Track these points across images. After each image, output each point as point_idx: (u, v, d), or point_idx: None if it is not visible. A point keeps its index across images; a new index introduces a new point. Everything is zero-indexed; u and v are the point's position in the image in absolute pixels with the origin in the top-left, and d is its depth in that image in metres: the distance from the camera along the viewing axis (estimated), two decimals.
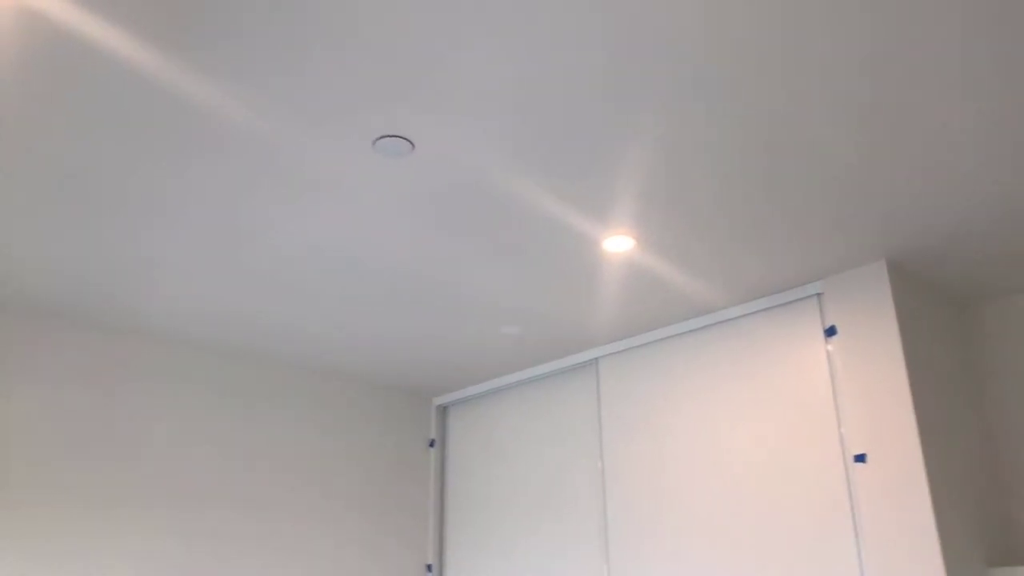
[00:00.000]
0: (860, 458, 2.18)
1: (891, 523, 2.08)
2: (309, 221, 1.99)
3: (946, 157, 1.77)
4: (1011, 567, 2.16)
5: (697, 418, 2.58)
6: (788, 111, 1.60)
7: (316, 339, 2.80)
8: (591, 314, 2.63)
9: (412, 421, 3.42)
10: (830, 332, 2.34)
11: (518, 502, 3.07)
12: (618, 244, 2.14)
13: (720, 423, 2.51)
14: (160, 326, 2.64)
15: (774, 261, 2.26)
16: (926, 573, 1.99)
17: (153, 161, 1.70)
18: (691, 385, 2.63)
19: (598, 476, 2.82)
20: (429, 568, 3.25)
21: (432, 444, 3.44)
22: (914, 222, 2.06)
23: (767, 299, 2.49)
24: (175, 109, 1.53)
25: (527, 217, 1.99)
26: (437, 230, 2.05)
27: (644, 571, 2.57)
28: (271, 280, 2.33)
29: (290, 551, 2.87)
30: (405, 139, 1.64)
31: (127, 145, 1.64)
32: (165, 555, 2.58)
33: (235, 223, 1.99)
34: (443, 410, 3.52)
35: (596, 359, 2.96)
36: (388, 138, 1.63)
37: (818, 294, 2.40)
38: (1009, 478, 2.44)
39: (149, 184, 1.80)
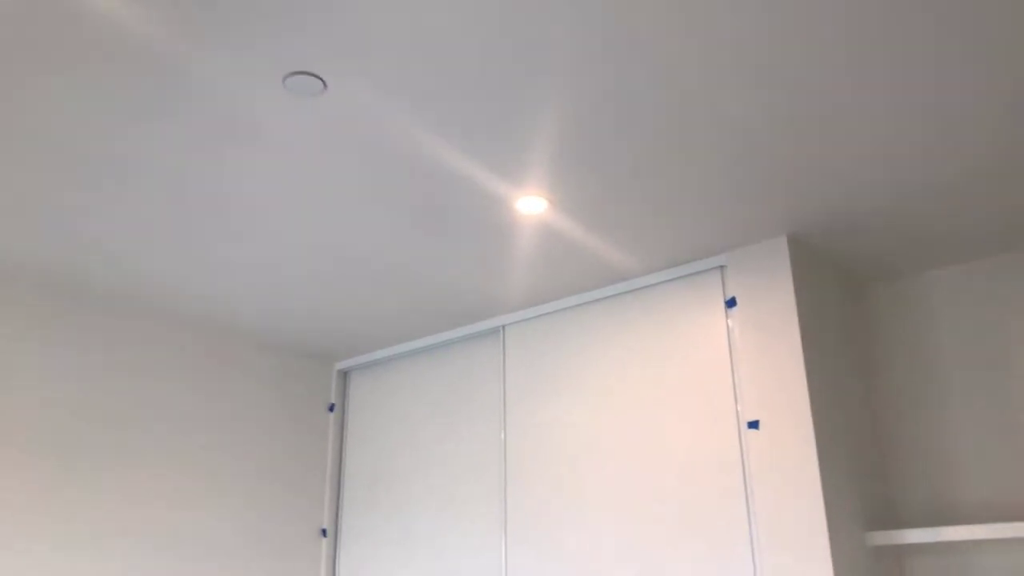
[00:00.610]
0: (753, 424, 2.25)
1: (779, 486, 2.16)
2: (213, 167, 1.90)
3: (846, 136, 1.83)
4: (887, 531, 2.27)
5: (600, 388, 2.61)
6: (698, 82, 1.62)
7: (212, 299, 2.69)
8: (500, 279, 2.62)
9: (312, 385, 3.34)
10: (731, 304, 2.40)
11: (417, 470, 3.05)
12: (531, 206, 2.13)
13: (622, 392, 2.55)
14: (41, 271, 2.49)
15: (683, 232, 2.30)
16: (811, 534, 2.07)
17: (32, 83, 1.59)
18: (595, 354, 2.65)
19: (499, 446, 2.83)
20: (324, 532, 3.19)
21: (331, 409, 3.37)
22: (814, 199, 2.12)
23: (674, 269, 2.53)
24: (58, 20, 1.43)
25: (438, 173, 1.95)
26: (345, 184, 1.99)
27: (542, 540, 2.59)
28: (167, 229, 2.22)
29: (181, 512, 2.77)
30: (316, 76, 1.57)
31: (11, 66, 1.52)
32: (44, 513, 2.45)
33: (132, 158, 1.88)
34: (344, 375, 3.46)
35: (502, 326, 2.95)
36: (299, 75, 1.57)
37: (721, 266, 2.45)
38: (891, 450, 2.56)
39: (32, 108, 1.68)
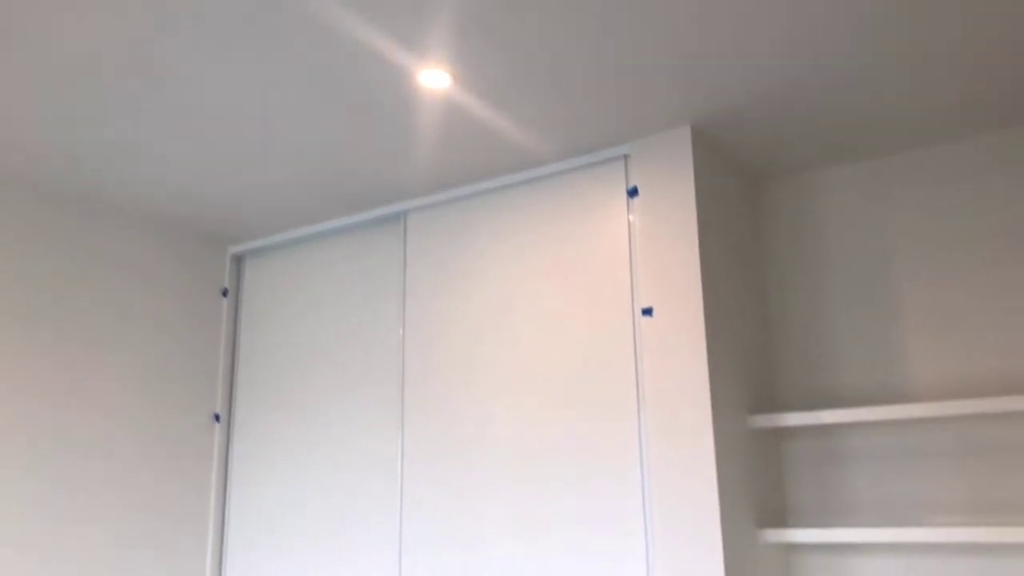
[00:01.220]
0: (647, 311, 2.29)
1: (669, 371, 2.22)
2: (79, 26, 1.73)
3: (743, 24, 1.80)
4: (767, 414, 2.39)
5: (501, 276, 2.60)
6: None
7: (95, 175, 2.52)
8: (402, 161, 2.54)
9: (204, 268, 3.22)
10: (632, 193, 2.40)
11: (314, 358, 3.01)
12: (434, 79, 2.04)
13: (523, 280, 2.55)
14: None
15: (588, 117, 2.27)
16: (695, 416, 2.15)
17: None
18: (498, 243, 2.63)
19: (398, 333, 2.80)
20: (217, 418, 3.14)
21: (225, 294, 3.27)
22: (716, 90, 2.11)
23: (579, 158, 2.51)
24: None
25: (335, 40, 1.84)
26: (233, 49, 1.86)
27: (439, 425, 2.61)
28: (34, 88, 2.04)
29: (67, 395, 2.66)
30: None
31: None
32: None
33: None
34: (238, 259, 3.34)
35: (404, 212, 2.88)
36: None
37: (625, 155, 2.44)
38: (777, 339, 2.67)
39: None
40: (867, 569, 2.39)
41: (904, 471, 2.38)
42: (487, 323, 2.58)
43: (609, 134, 2.38)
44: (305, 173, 2.63)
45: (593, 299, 2.40)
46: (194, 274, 3.17)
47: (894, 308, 2.49)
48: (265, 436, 3.05)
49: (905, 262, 2.51)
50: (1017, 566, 2.20)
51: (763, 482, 2.42)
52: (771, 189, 2.78)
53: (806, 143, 2.49)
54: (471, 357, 2.59)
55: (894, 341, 2.47)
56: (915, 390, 2.42)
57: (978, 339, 2.36)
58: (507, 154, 2.50)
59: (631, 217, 2.39)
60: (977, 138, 2.46)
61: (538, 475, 2.37)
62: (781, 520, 2.51)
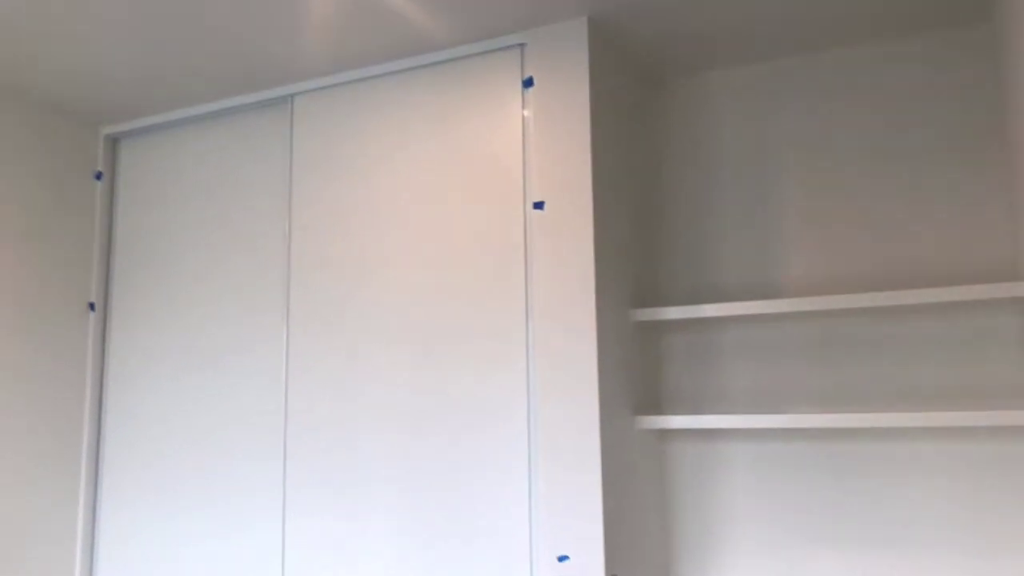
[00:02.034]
0: (539, 205, 2.30)
1: (557, 264, 2.25)
2: None
3: None
4: (649, 308, 2.47)
5: (392, 166, 2.54)
6: None
7: None
8: (289, 40, 2.41)
9: (75, 150, 3.02)
10: (527, 84, 2.37)
11: (195, 249, 2.90)
12: None
13: (415, 171, 2.50)
14: None
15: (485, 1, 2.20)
16: (580, 309, 2.21)
17: None
18: (390, 131, 2.56)
19: (284, 223, 2.72)
20: (92, 306, 3.01)
21: (99, 177, 3.09)
22: None
23: (474, 44, 2.45)
24: None
25: None
26: None
27: (326, 316, 2.58)
28: None
29: None
30: None
31: None
32: None
33: None
34: (113, 141, 3.15)
35: (291, 96, 2.76)
36: None
37: (521, 45, 2.40)
38: (663, 237, 2.74)
39: None
40: (734, 453, 2.55)
41: (772, 363, 2.53)
42: (377, 214, 2.54)
43: (506, 21, 2.32)
44: (184, 49, 2.47)
45: (485, 191, 2.39)
46: (64, 156, 2.97)
47: (774, 210, 2.59)
48: (143, 327, 2.96)
49: (786, 165, 2.59)
50: (866, 449, 2.39)
51: (642, 373, 2.52)
52: (665, 89, 2.79)
53: (700, 44, 2.50)
54: (359, 248, 2.55)
55: (772, 241, 2.58)
56: (787, 287, 2.54)
57: (847, 242, 2.49)
58: (400, 36, 2.41)
59: (525, 109, 2.37)
60: (861, 47, 2.53)
61: (427, 366, 2.40)
62: (657, 408, 2.63)
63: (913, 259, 2.41)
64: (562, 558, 2.13)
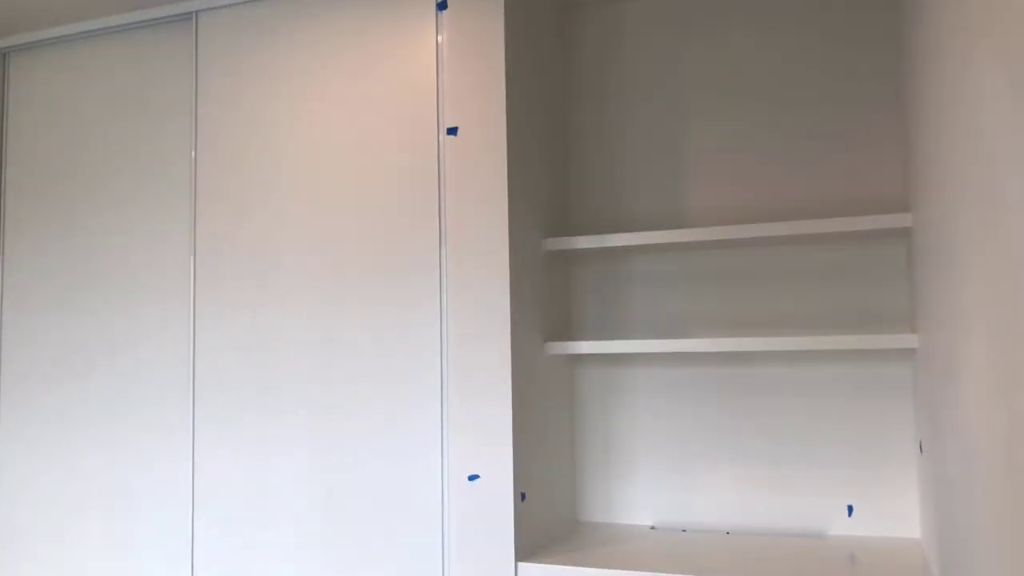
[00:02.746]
0: (452, 131, 2.29)
1: (470, 192, 2.26)
2: None
3: None
4: (560, 236, 2.52)
5: (302, 91, 2.48)
6: None
7: None
8: None
9: None
10: (441, 7, 2.33)
11: (94, 173, 2.78)
12: None
13: (327, 96, 2.45)
14: None
15: None
16: (492, 238, 2.23)
17: None
18: (301, 54, 2.49)
19: (189, 151, 2.64)
20: None
21: None
22: None
23: None
24: None
25: None
26: None
27: (234, 243, 2.53)
28: None
29: None
30: None
31: None
32: None
33: None
34: (3, 56, 2.97)
35: (196, 12, 2.65)
36: None
37: None
38: (575, 167, 2.77)
39: None
40: (639, 378, 2.65)
41: (678, 292, 2.62)
42: (287, 140, 2.49)
43: None
44: None
45: (398, 117, 2.37)
46: None
47: (683, 142, 2.65)
48: (40, 252, 2.84)
49: (696, 98, 2.64)
50: (761, 373, 2.52)
51: (552, 301, 2.58)
52: (581, 17, 2.79)
53: None
54: (268, 175, 2.50)
55: (681, 173, 2.65)
56: (694, 218, 2.62)
57: (752, 175, 2.57)
58: None
59: (439, 34, 2.34)
60: None
61: (338, 293, 2.39)
62: (567, 335, 2.71)
63: (812, 192, 2.51)
64: (472, 477, 2.20)
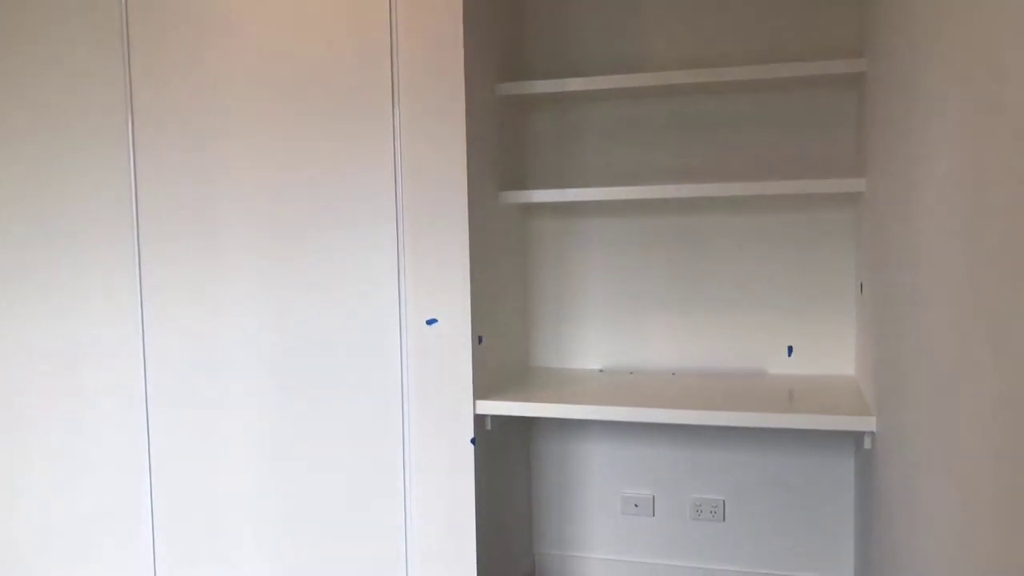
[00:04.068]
0: None
1: (423, 38, 2.18)
2: None
3: None
4: (514, 82, 2.47)
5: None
6: None
7: None
8: None
9: None
10: None
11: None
12: None
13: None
14: None
15: None
16: (447, 83, 2.17)
17: None
18: None
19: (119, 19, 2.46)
20: None
21: None
22: None
23: None
24: None
25: None
26: None
27: (174, 100, 2.42)
28: None
29: None
30: None
31: None
32: None
33: None
34: None
35: None
36: None
37: None
38: (529, 11, 2.69)
39: None
40: (592, 228, 2.68)
41: (632, 141, 2.62)
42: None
43: None
44: None
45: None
46: None
47: None
48: None
49: None
50: (708, 221, 2.58)
51: (507, 150, 2.56)
52: None
53: None
54: (207, 27, 2.37)
55: (635, 17, 2.59)
56: (649, 64, 2.59)
57: (709, 20, 2.53)
58: None
59: None
60: None
61: (293, 141, 2.33)
62: (521, 184, 2.71)
63: (766, 38, 2.49)
64: (430, 321, 2.24)
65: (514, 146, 2.64)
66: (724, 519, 2.63)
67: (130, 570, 2.62)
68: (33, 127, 2.60)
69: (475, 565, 2.26)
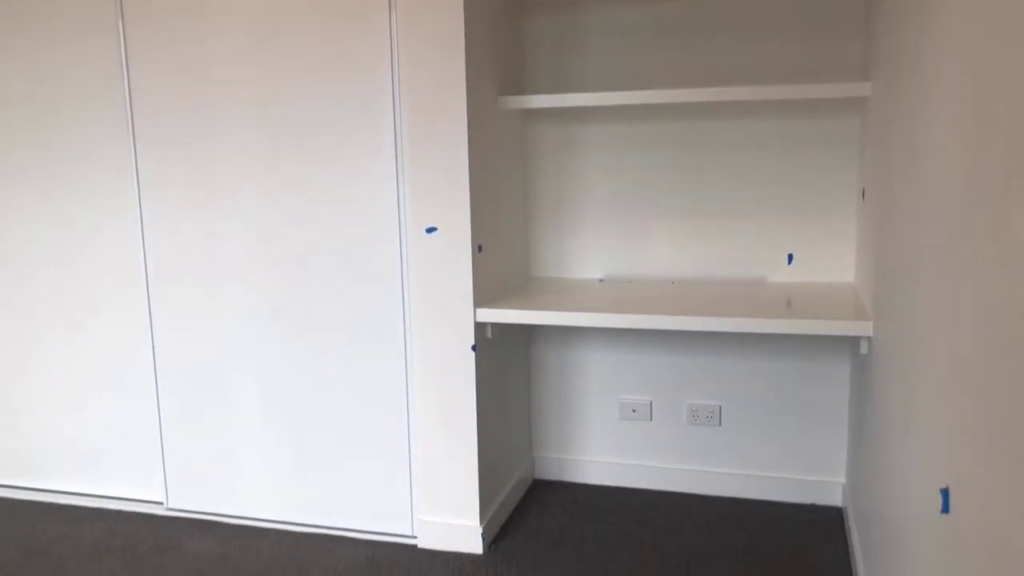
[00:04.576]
0: None
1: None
2: None
3: None
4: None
5: None
6: None
7: None
8: None
9: None
10: None
11: None
12: None
13: None
14: None
15: None
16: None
17: None
18: None
19: None
20: None
21: None
22: None
23: None
24: None
25: None
26: None
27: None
28: None
29: None
30: None
31: None
32: None
33: None
34: None
35: None
36: None
37: None
38: None
39: None
40: (591, 133, 2.64)
41: (631, 44, 2.56)
42: None
43: None
44: None
45: None
46: None
47: None
48: None
49: None
50: (714, 126, 2.54)
51: (506, 55, 2.50)
52: None
53: None
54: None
55: None
56: None
57: None
58: None
59: None
60: None
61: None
62: (520, 89, 2.65)
63: None
64: (430, 229, 2.23)
65: (514, 51, 2.57)
66: (720, 424, 2.68)
67: (139, 455, 2.69)
68: (23, 25, 2.54)
69: (476, 468, 2.32)
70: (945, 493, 1.05)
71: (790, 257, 2.55)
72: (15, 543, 2.49)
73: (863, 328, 1.96)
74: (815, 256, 2.53)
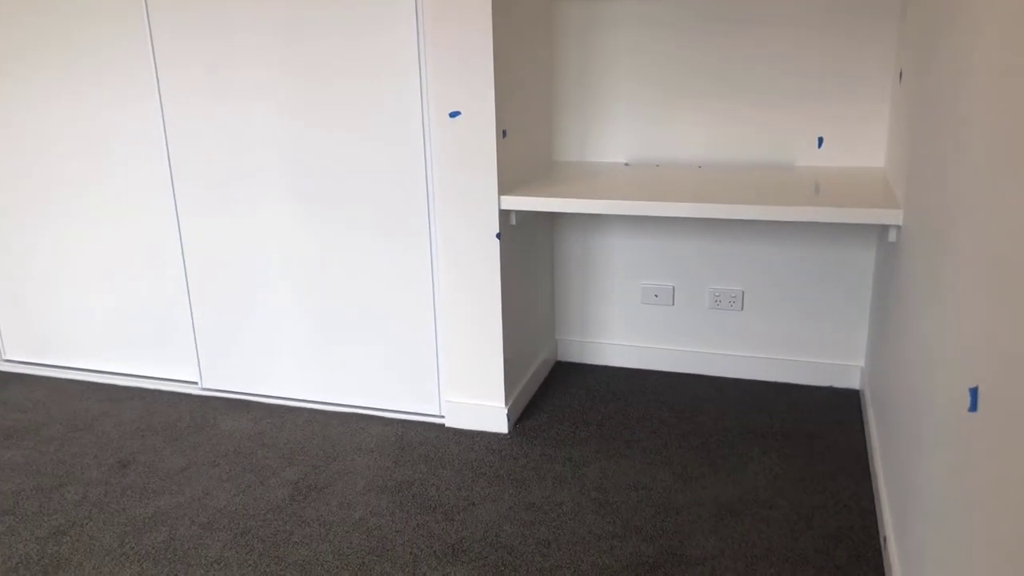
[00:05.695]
0: None
1: None
2: None
3: None
4: None
5: None
6: None
7: None
8: None
9: None
10: None
11: None
12: None
13: None
14: None
15: None
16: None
17: None
18: None
19: None
20: None
21: None
22: None
23: None
24: None
25: None
26: None
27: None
28: None
29: None
30: None
31: None
32: None
33: None
34: None
35: None
36: None
37: None
38: None
39: None
40: (621, 9, 2.54)
41: None
42: None
43: None
44: None
45: None
46: None
47: None
48: None
49: None
50: (735, 3, 2.43)
51: None
52: None
53: None
54: None
55: None
56: None
57: None
58: None
59: None
60: None
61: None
62: None
63: None
64: (453, 114, 2.19)
65: None
66: (742, 308, 2.70)
67: (171, 336, 2.77)
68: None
69: (501, 351, 2.37)
70: (974, 392, 1.06)
71: (820, 140, 2.49)
72: (62, 419, 2.61)
73: (893, 216, 1.94)
74: (846, 140, 2.47)
